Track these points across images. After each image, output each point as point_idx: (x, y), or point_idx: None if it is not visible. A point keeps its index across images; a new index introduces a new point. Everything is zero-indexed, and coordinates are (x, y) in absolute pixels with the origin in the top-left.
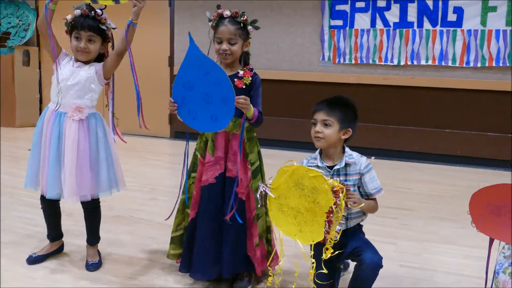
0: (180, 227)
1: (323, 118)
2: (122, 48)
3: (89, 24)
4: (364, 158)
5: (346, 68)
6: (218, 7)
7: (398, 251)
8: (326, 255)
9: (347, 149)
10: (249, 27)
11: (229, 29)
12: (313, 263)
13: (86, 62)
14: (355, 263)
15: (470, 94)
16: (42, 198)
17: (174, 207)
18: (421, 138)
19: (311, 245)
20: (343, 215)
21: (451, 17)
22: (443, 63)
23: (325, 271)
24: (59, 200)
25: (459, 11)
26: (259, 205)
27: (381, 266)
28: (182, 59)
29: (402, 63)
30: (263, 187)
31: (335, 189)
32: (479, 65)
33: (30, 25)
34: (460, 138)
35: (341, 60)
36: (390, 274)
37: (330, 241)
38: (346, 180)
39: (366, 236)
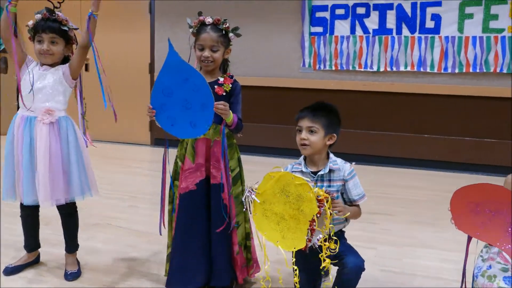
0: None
1: (308, 125)
2: (86, 40)
3: (50, 26)
4: (348, 165)
5: (326, 75)
6: (200, 14)
7: (378, 255)
8: (323, 265)
9: (331, 155)
10: (231, 34)
11: (212, 36)
12: (295, 270)
13: (53, 65)
14: (336, 268)
15: (448, 100)
16: (22, 205)
17: (162, 219)
18: (401, 144)
19: (292, 251)
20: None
21: (429, 24)
22: (421, 69)
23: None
24: (38, 207)
25: (436, 18)
26: (244, 209)
27: (363, 269)
28: None
29: (382, 69)
30: (248, 191)
31: (319, 197)
32: (456, 71)
33: None
34: (439, 143)
35: (322, 67)
36: (370, 279)
37: (326, 252)
38: (329, 186)
39: (347, 241)
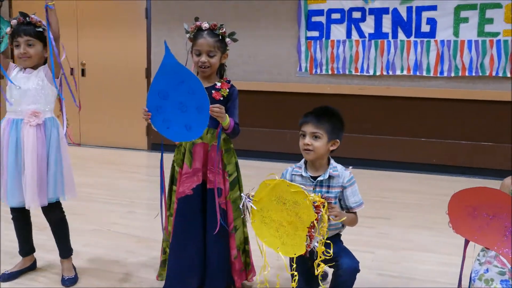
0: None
1: (312, 131)
2: (53, 35)
3: (24, 29)
4: (348, 172)
5: (323, 79)
6: (196, 19)
7: (376, 260)
8: (318, 270)
9: (332, 160)
10: (227, 39)
11: (208, 41)
12: (295, 276)
13: (35, 68)
14: (333, 271)
15: (445, 103)
16: (11, 208)
17: (162, 225)
18: (397, 147)
19: (292, 258)
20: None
21: (425, 28)
22: (417, 73)
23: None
24: (29, 209)
25: (432, 22)
26: (242, 216)
27: (358, 270)
28: None
29: (378, 73)
30: (245, 198)
31: (316, 204)
32: (452, 74)
33: (4, 37)
34: (436, 147)
35: (318, 71)
36: (368, 283)
37: (320, 256)
38: (328, 192)
39: (344, 245)
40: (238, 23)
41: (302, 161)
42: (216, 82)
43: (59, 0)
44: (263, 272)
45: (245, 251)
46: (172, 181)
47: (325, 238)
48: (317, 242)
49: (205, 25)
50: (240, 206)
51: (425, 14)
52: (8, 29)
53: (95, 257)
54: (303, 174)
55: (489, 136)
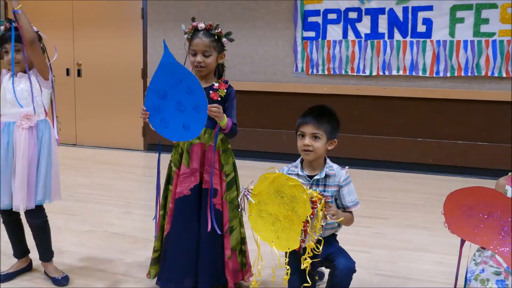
0: (159, 247)
1: (312, 131)
2: (27, 37)
3: (10, 36)
4: (344, 171)
5: (319, 79)
6: (193, 19)
7: (372, 259)
8: (304, 265)
9: (328, 160)
10: (224, 39)
11: (204, 41)
12: (288, 269)
13: (26, 71)
14: (329, 271)
15: (440, 103)
16: (2, 210)
17: (156, 224)
18: (394, 147)
19: (286, 252)
20: (321, 225)
21: (421, 28)
22: (413, 73)
23: (308, 283)
24: (19, 212)
25: (428, 22)
26: (239, 209)
27: (354, 271)
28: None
29: (374, 73)
30: (245, 191)
31: (313, 199)
32: (448, 74)
33: None
34: (431, 147)
35: (314, 71)
36: (364, 283)
37: (309, 252)
38: (324, 191)
39: (341, 245)
40: (234, 23)
41: (298, 160)
42: (214, 83)
43: (56, 0)
44: (257, 267)
45: (242, 251)
46: (169, 181)
47: (317, 234)
48: (311, 240)
49: (201, 25)
50: (238, 199)
51: (421, 15)
52: None
53: (91, 257)
54: (299, 173)
55: (485, 136)
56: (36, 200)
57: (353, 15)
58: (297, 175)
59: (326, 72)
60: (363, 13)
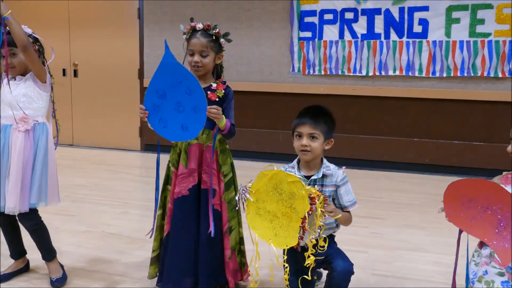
0: (158, 247)
1: (310, 132)
2: (20, 43)
3: (3, 40)
4: (341, 171)
5: (316, 79)
6: (192, 20)
7: (369, 259)
8: (308, 262)
9: (325, 160)
10: (221, 40)
11: (201, 41)
12: (286, 267)
13: (24, 75)
14: (327, 272)
15: (437, 104)
16: None
17: (154, 224)
18: (390, 147)
19: (284, 249)
20: (321, 224)
21: (417, 28)
22: (410, 74)
23: (308, 277)
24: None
25: (424, 22)
26: (237, 207)
27: (352, 273)
28: (152, 71)
29: (371, 73)
30: (242, 190)
31: (312, 195)
32: (444, 75)
33: None
34: (428, 147)
35: (311, 71)
36: (362, 283)
37: (312, 249)
38: (321, 191)
39: (338, 245)
40: (231, 23)
41: (295, 161)
42: (212, 83)
43: (52, 0)
44: (255, 266)
45: (241, 251)
46: (167, 181)
47: (322, 231)
48: (311, 237)
49: (199, 25)
50: (236, 198)
51: (417, 15)
52: None
53: (88, 258)
54: (296, 173)
55: (481, 136)
56: (29, 203)
57: (349, 15)
58: None
59: (322, 72)
60: (359, 14)
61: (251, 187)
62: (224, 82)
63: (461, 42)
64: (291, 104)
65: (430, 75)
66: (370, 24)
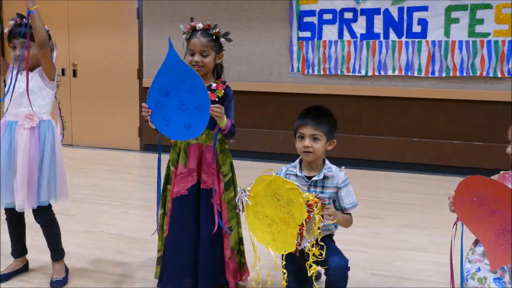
0: (161, 247)
1: (312, 133)
2: (38, 40)
3: (20, 31)
4: (342, 173)
5: (315, 79)
6: (192, 19)
7: (369, 259)
8: (311, 272)
9: (327, 161)
10: (222, 39)
11: (201, 41)
12: (284, 273)
13: (32, 70)
14: (324, 271)
15: (436, 103)
16: (6, 208)
17: (157, 223)
18: (389, 147)
19: (282, 255)
20: (319, 231)
21: (416, 28)
22: (409, 73)
23: (308, 275)
24: (23, 211)
25: (423, 22)
26: (237, 210)
27: (348, 268)
28: (151, 71)
29: (370, 73)
30: (241, 192)
31: (309, 202)
32: (443, 75)
33: None
34: (427, 147)
35: (310, 71)
36: (361, 283)
37: (312, 258)
38: (322, 193)
39: (337, 245)
40: (230, 23)
41: (297, 160)
42: (212, 83)
43: (51, 0)
44: (255, 268)
45: (240, 251)
46: (167, 180)
47: (318, 238)
48: (308, 243)
49: (199, 25)
50: (236, 200)
51: (416, 15)
52: (6, 30)
53: (88, 258)
54: (298, 173)
55: (480, 136)
56: (39, 200)
57: (348, 15)
58: (296, 175)
59: (322, 72)
60: (359, 14)
61: (250, 191)
62: (224, 82)
63: (460, 42)
64: (291, 104)
65: (429, 75)
66: (369, 24)
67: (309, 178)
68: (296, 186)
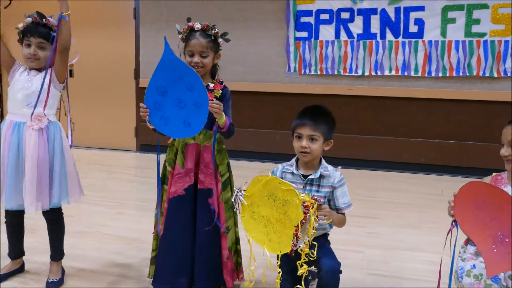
0: (156, 247)
1: (309, 134)
2: (62, 44)
3: (39, 31)
4: (338, 173)
5: (312, 79)
6: (189, 20)
7: (365, 259)
8: (300, 271)
9: (323, 161)
10: (220, 40)
11: (201, 42)
12: (279, 272)
13: (40, 70)
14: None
15: (433, 103)
16: (6, 210)
17: (158, 222)
18: (386, 147)
19: (278, 255)
20: (313, 231)
21: (413, 28)
22: (406, 73)
23: (302, 286)
24: (23, 213)
25: (420, 22)
26: (234, 209)
27: (339, 271)
28: (148, 72)
29: (367, 73)
30: (237, 191)
31: (305, 203)
32: (440, 75)
33: None
34: (424, 147)
35: (307, 71)
36: (358, 283)
37: (304, 258)
38: (318, 191)
39: (333, 245)
40: (227, 23)
41: (294, 159)
42: (209, 83)
43: (47, 0)
44: (250, 268)
45: (237, 251)
46: (164, 180)
47: (311, 239)
48: (304, 243)
49: (198, 25)
50: (232, 200)
51: (413, 15)
52: (21, 25)
53: (84, 259)
54: (294, 171)
55: (477, 136)
56: (51, 202)
57: (345, 15)
58: (292, 173)
59: (318, 72)
60: (355, 14)
61: (246, 191)
62: (221, 82)
63: (457, 42)
64: (287, 104)
65: (426, 75)
66: (366, 24)
67: (305, 176)
68: (292, 187)
